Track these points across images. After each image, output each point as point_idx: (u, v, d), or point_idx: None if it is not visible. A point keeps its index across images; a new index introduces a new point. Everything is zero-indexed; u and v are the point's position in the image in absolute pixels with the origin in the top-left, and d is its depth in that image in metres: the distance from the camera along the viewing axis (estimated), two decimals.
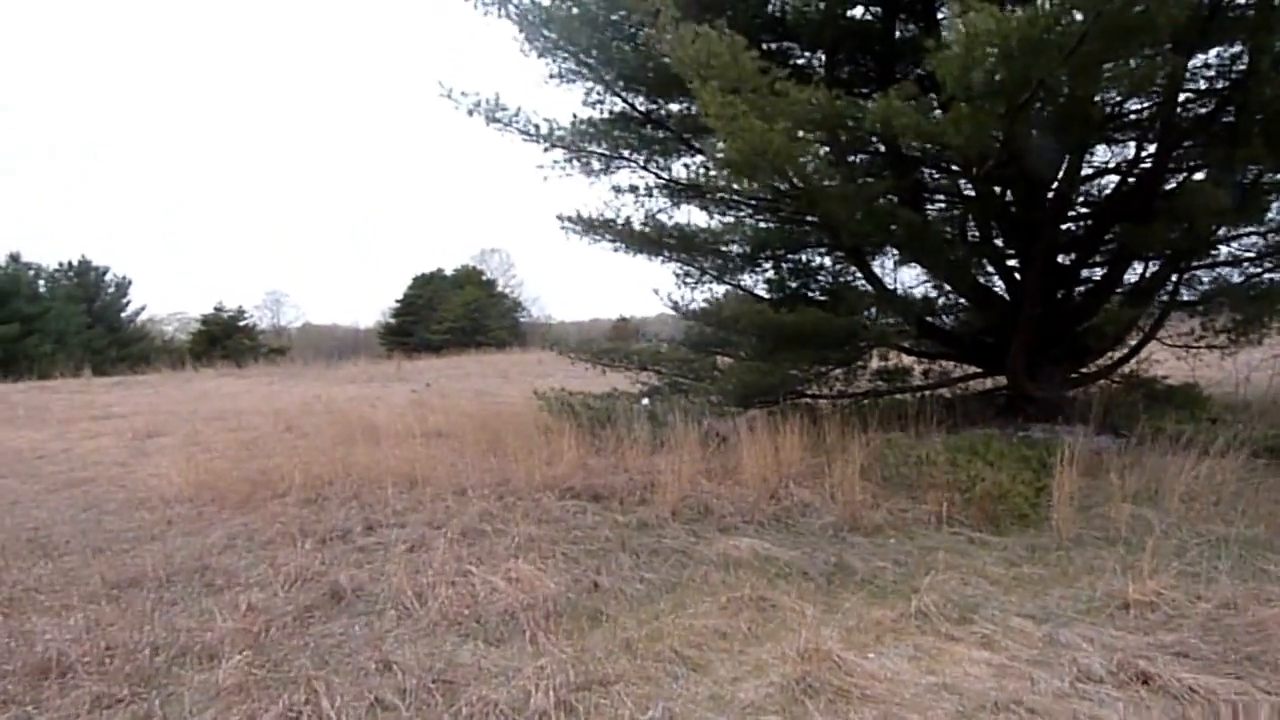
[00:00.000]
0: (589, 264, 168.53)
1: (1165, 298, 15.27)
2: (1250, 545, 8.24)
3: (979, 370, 16.83)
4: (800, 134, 11.86)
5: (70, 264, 68.01)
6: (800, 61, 15.67)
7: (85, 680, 5.91)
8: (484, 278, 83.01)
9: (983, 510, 9.53)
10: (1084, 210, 15.83)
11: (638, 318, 70.93)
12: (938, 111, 11.24)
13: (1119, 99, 13.68)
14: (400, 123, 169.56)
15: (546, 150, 15.97)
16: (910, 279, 18.15)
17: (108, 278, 69.61)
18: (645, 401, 15.36)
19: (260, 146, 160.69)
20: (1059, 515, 9.07)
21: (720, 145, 11.72)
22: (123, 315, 70.31)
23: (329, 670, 6.06)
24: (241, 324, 72.14)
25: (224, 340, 66.66)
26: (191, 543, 9.58)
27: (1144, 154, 14.45)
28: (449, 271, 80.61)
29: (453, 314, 73.19)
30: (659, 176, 16.16)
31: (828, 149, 13.55)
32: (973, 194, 15.07)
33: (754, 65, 10.90)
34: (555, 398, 16.33)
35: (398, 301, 78.49)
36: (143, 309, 73.70)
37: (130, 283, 70.86)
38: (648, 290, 42.70)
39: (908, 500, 10.27)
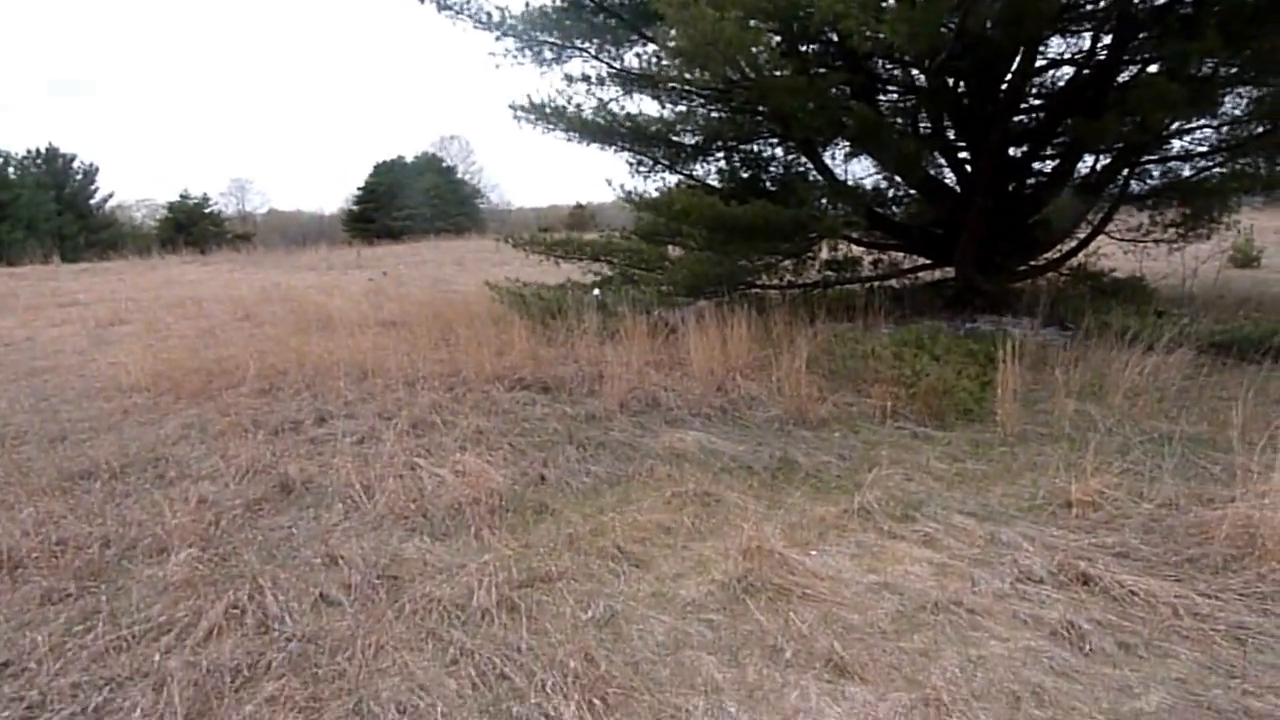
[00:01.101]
0: (546, 152, 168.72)
1: (1115, 191, 15.29)
2: (1194, 444, 8.16)
3: (928, 262, 16.73)
4: (752, 23, 11.68)
5: (38, 151, 66.89)
6: None
7: (35, 575, 5.87)
8: (444, 164, 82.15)
9: (928, 405, 9.50)
10: (1037, 103, 15.73)
11: (594, 204, 71.05)
12: (891, 1, 11.03)
13: None
14: (367, 6, 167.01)
15: (498, 39, 15.76)
16: (861, 170, 18.18)
17: (75, 165, 68.57)
18: (596, 292, 15.30)
19: (227, 32, 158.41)
20: (1004, 411, 9.01)
21: (672, 33, 11.52)
22: (91, 202, 69.16)
23: (275, 565, 6.01)
24: (207, 211, 71.31)
25: (190, 227, 65.79)
26: (147, 433, 9.48)
27: (1099, 46, 14.31)
28: (410, 159, 79.72)
29: (413, 200, 72.50)
30: (611, 66, 16.00)
31: (779, 39, 13.35)
32: (925, 86, 14.85)
33: None
34: (507, 288, 16.23)
35: (360, 188, 77.28)
36: (110, 196, 72.64)
37: (98, 170, 69.92)
38: (603, 177, 42.47)
39: (853, 394, 10.24)
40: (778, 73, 12.29)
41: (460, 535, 6.54)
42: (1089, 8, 14.07)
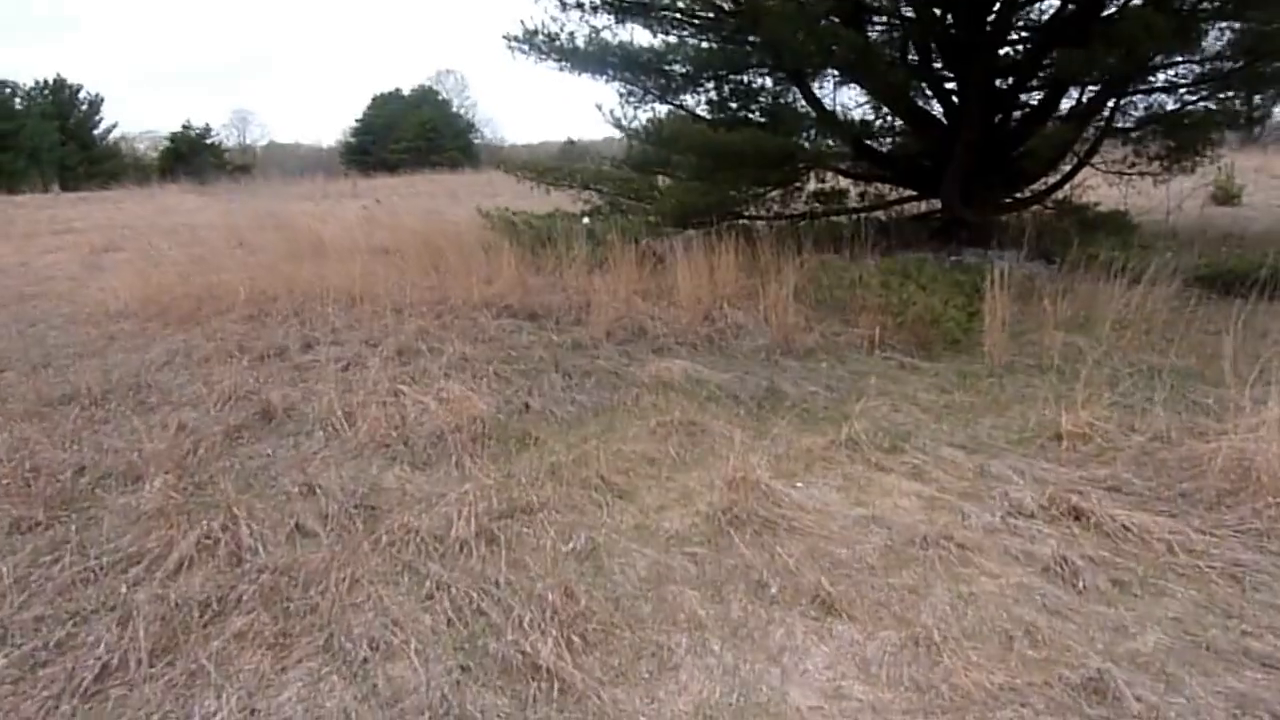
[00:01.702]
0: (540, 88, 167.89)
1: (1100, 124, 15.15)
2: (1183, 376, 7.98)
3: (914, 194, 16.64)
4: None
5: (45, 82, 66.39)
6: None
7: (5, 503, 5.66)
8: (439, 98, 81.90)
9: (915, 335, 9.35)
10: (1023, 35, 15.55)
11: (585, 140, 70.82)
12: None
13: None
14: None
15: None
16: (849, 101, 18.11)
17: (81, 95, 68.10)
18: (585, 220, 15.20)
19: None
20: (991, 341, 8.86)
21: None
22: (95, 133, 68.69)
23: (252, 494, 5.81)
24: (208, 142, 70.99)
25: (190, 158, 65.32)
26: (131, 359, 9.29)
27: None
28: (406, 92, 79.64)
29: (409, 134, 72.25)
30: None
31: None
32: (913, 15, 14.72)
33: None
34: (498, 215, 16.15)
35: (357, 121, 77.55)
36: (114, 126, 71.96)
37: (103, 100, 69.13)
38: (595, 115, 42.33)
39: (840, 323, 10.05)
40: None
41: (441, 464, 6.36)
42: None
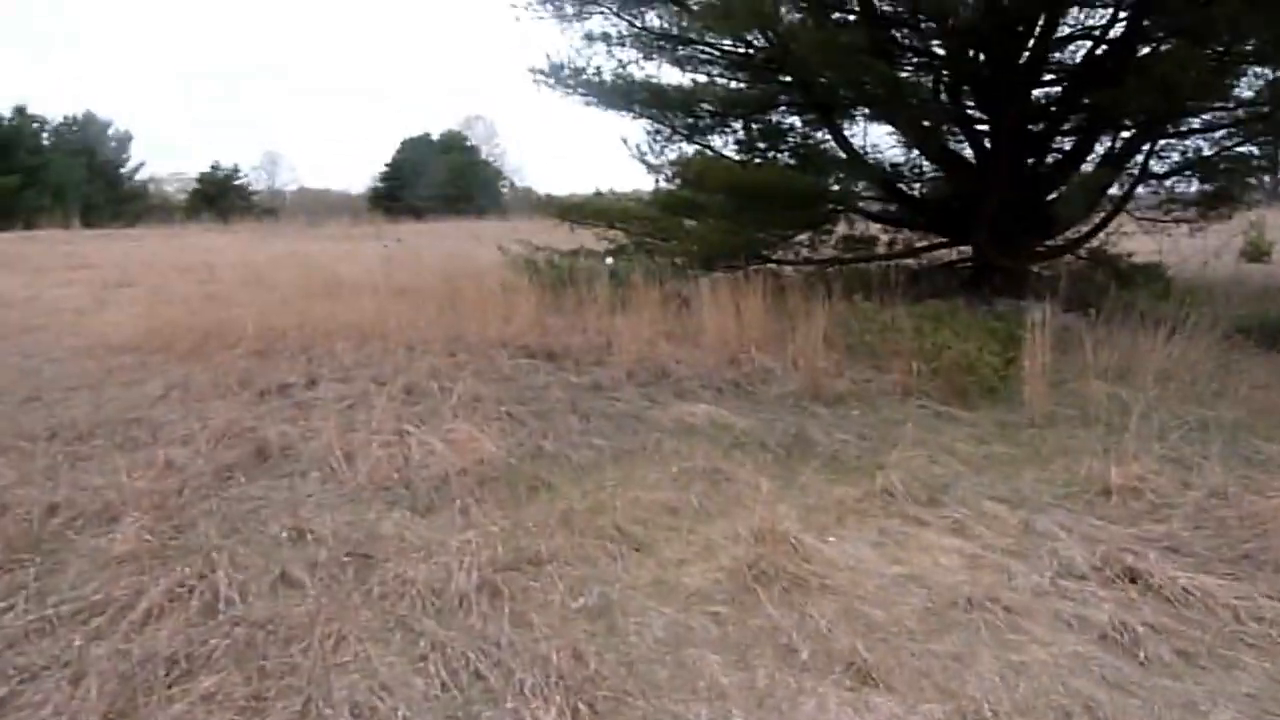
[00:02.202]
0: (569, 139, 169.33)
1: (1135, 170, 15.15)
2: (1235, 429, 7.64)
3: (944, 241, 16.51)
4: None
5: (75, 118, 66.56)
6: None
7: None
8: (467, 144, 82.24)
9: (950, 382, 9.03)
10: (1055, 77, 15.58)
11: (614, 192, 71.17)
12: None
13: None
14: None
15: None
16: (879, 141, 18.14)
17: (110, 132, 68.31)
18: (609, 260, 15.13)
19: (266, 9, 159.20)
20: (1030, 390, 8.50)
21: None
22: (122, 171, 69.00)
23: (236, 539, 5.43)
24: (236, 183, 71.12)
25: (218, 200, 65.75)
26: (126, 393, 8.99)
27: (1119, 17, 14.00)
28: (435, 136, 79.81)
29: (437, 179, 72.57)
30: (632, 24, 15.74)
31: None
32: (945, 54, 14.70)
33: None
34: (519, 253, 16.06)
35: (386, 165, 77.73)
36: (142, 165, 71.91)
37: (131, 138, 69.36)
38: (624, 166, 42.51)
39: (872, 369, 9.85)
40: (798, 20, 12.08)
41: (444, 510, 5.97)
42: None
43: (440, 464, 6.60)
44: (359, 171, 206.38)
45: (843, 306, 11.78)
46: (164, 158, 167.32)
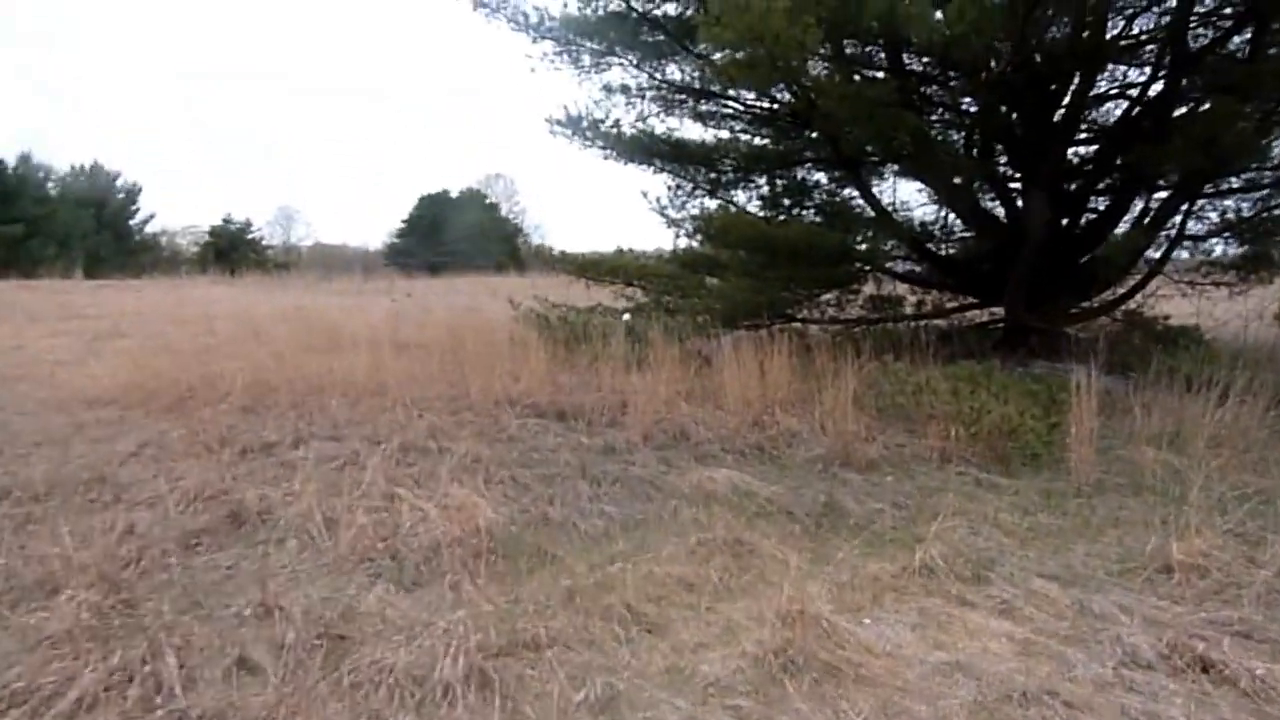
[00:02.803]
0: (592, 195, 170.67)
1: (1172, 231, 14.89)
2: None
3: (975, 302, 16.32)
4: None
5: (82, 167, 67.21)
6: None
7: None
8: (487, 201, 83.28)
9: (990, 447, 8.69)
10: (1090, 135, 15.45)
11: (635, 251, 71.57)
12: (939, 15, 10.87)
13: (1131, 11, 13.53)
14: (419, 40, 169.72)
15: (535, 41, 15.38)
16: (908, 199, 18.19)
17: (119, 183, 68.75)
18: (626, 317, 14.82)
19: (283, 60, 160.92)
20: (1076, 456, 8.15)
21: (714, 28, 10.80)
22: (131, 223, 69.56)
23: (194, 616, 4.97)
24: (249, 237, 71.62)
25: (230, 253, 65.92)
26: (95, 450, 8.51)
27: (1159, 74, 13.84)
28: (454, 194, 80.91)
29: (455, 235, 73.22)
30: (652, 77, 15.66)
31: (827, 45, 12.92)
32: (976, 110, 14.57)
33: None
34: (532, 309, 15.78)
35: (404, 221, 78.96)
36: (151, 217, 72.74)
37: (140, 189, 70.11)
38: (644, 222, 42.35)
39: (905, 433, 9.47)
40: (824, 71, 12.25)
41: (433, 585, 5.56)
42: (1146, 36, 14.03)
43: (432, 532, 6.19)
44: (376, 228, 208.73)
45: (872, 367, 11.47)
46: (180, 211, 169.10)
